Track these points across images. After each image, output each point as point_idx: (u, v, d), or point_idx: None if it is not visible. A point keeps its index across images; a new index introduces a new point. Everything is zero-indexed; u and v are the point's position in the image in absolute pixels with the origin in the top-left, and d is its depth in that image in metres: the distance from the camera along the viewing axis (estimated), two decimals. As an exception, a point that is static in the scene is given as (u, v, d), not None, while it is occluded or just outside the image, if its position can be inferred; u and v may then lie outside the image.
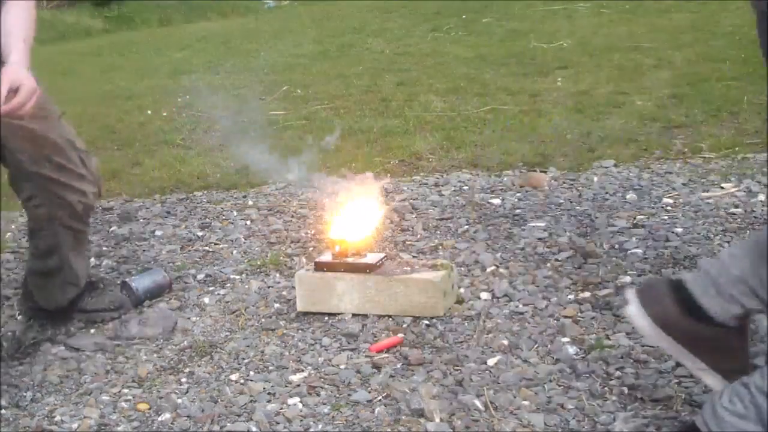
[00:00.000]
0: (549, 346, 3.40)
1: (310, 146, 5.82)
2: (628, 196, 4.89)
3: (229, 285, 4.19)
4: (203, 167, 6.12)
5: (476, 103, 7.14)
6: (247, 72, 9.57)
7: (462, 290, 3.89)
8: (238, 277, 4.26)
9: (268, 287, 4.11)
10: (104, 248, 4.79)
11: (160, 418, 3.13)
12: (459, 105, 7.14)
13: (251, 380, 3.34)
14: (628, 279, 3.86)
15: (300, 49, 11.08)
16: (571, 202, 4.92)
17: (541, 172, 5.44)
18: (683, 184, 5.00)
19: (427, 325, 3.65)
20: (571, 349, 3.35)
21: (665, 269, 3.92)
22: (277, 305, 3.92)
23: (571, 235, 4.40)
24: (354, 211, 3.98)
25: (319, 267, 3.84)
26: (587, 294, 3.77)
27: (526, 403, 3.03)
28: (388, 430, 2.96)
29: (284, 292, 4.02)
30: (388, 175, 5.57)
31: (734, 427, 2.37)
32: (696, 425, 2.49)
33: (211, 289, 4.18)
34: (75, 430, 3.10)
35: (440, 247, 4.41)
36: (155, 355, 3.61)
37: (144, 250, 4.72)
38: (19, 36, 3.26)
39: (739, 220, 4.44)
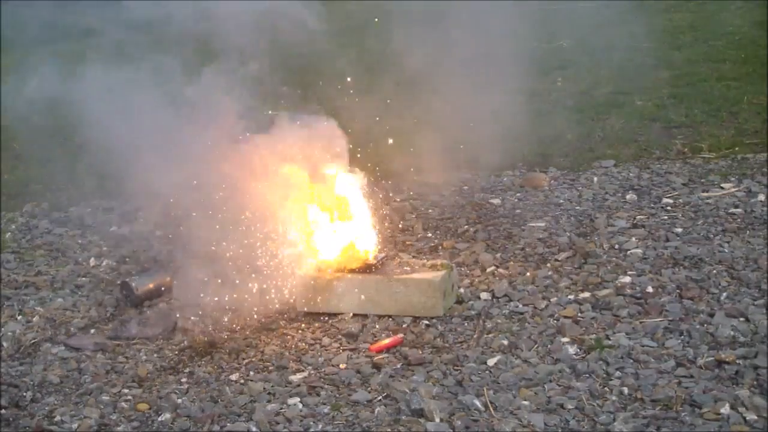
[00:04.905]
0: (549, 346, 3.39)
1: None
2: (628, 196, 4.89)
3: (228, 285, 4.18)
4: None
5: (476, 103, 7.12)
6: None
7: (462, 290, 3.89)
8: (237, 277, 4.25)
9: (269, 287, 4.10)
10: (104, 248, 4.79)
11: (160, 418, 3.13)
12: (459, 105, 7.12)
13: (251, 380, 3.34)
14: (628, 279, 3.86)
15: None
16: (571, 202, 4.91)
17: (541, 172, 5.43)
18: (683, 184, 4.99)
19: (427, 325, 3.65)
20: (571, 349, 3.34)
21: (665, 269, 3.92)
22: (277, 305, 3.92)
23: (571, 235, 4.40)
24: (352, 212, 3.98)
25: (320, 267, 3.84)
26: (587, 294, 3.77)
27: (526, 403, 3.02)
28: (388, 430, 2.96)
29: (284, 292, 4.01)
30: (389, 175, 5.57)
31: None
32: None
33: (210, 289, 4.16)
34: (75, 430, 3.10)
35: (440, 247, 4.41)
36: (155, 355, 3.61)
37: (144, 250, 4.71)
38: None
39: (739, 220, 4.44)
